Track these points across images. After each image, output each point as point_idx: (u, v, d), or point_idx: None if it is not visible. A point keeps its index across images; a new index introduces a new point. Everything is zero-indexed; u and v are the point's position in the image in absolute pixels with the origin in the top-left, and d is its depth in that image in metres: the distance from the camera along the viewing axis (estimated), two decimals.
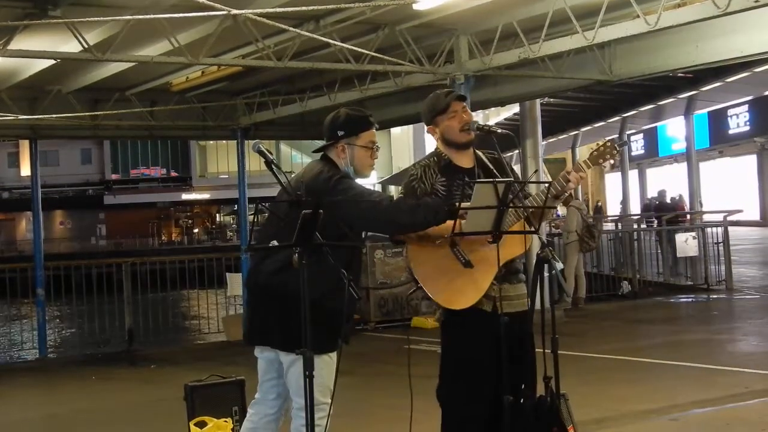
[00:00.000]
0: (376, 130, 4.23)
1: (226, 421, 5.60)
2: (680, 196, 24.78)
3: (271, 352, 4.09)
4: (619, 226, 19.64)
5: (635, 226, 19.55)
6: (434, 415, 4.10)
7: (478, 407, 3.98)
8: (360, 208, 3.99)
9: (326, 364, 3.95)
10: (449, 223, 3.83)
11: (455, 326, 4.04)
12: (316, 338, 3.57)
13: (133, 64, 10.98)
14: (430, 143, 4.44)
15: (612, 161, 4.11)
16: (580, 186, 32.59)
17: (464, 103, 4.19)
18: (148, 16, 8.67)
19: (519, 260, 4.16)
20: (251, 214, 8.29)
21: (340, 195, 3.95)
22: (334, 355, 4.00)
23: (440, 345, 4.14)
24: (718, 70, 17.43)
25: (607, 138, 4.28)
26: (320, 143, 4.29)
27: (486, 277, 3.95)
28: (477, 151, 4.22)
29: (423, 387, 4.16)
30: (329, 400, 3.95)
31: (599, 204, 32.84)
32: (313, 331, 3.50)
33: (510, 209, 3.84)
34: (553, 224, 18.45)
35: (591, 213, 29.43)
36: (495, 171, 4.13)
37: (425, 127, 4.31)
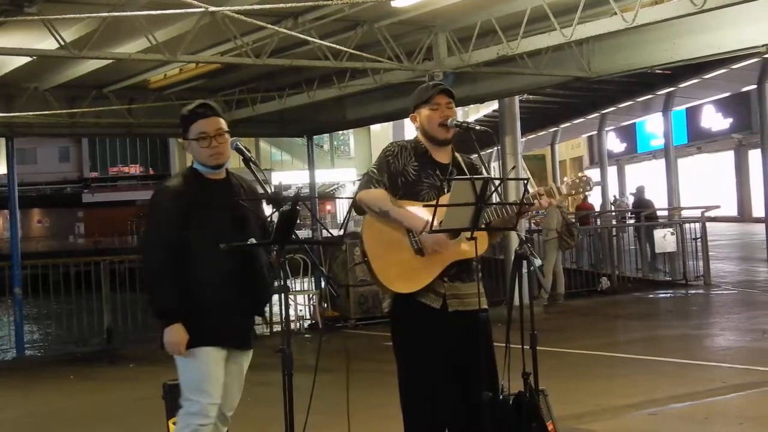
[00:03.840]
0: (208, 117, 4.07)
1: None
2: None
3: None
4: (598, 222, 19.72)
5: (614, 222, 19.62)
6: None
7: (434, 406, 3.90)
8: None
9: (191, 361, 4.02)
10: (425, 218, 3.82)
11: (402, 321, 3.98)
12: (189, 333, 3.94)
13: (111, 61, 10.92)
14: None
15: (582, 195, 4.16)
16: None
17: (450, 99, 4.19)
18: (125, 13, 8.62)
19: (475, 259, 4.03)
20: None
21: None
22: (202, 350, 4.00)
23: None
24: (696, 67, 17.53)
25: (582, 174, 4.26)
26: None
27: (433, 269, 3.90)
28: (456, 153, 4.21)
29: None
30: (197, 398, 3.98)
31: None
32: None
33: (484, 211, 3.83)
34: (533, 221, 18.51)
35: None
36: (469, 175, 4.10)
37: (406, 120, 4.29)
